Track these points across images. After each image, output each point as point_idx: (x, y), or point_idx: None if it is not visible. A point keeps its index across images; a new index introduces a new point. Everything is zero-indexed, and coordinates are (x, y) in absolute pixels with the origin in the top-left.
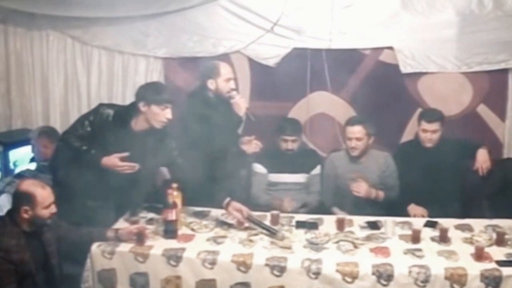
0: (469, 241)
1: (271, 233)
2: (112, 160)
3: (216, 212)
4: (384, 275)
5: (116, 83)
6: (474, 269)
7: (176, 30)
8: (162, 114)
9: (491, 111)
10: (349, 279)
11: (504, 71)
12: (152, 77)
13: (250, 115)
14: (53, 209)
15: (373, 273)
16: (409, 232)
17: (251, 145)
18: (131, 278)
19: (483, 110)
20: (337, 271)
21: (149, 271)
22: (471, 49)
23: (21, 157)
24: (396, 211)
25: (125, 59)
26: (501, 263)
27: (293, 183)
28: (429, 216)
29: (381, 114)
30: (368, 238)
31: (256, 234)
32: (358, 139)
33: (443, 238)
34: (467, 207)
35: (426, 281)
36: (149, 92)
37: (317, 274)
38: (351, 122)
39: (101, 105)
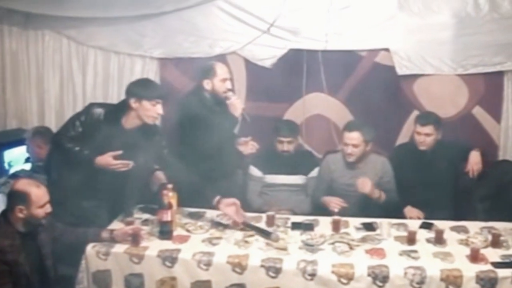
0: (465, 242)
1: (265, 234)
2: (106, 159)
3: (211, 213)
4: (379, 277)
5: (112, 84)
6: (470, 270)
7: (172, 31)
8: (153, 110)
9: (487, 113)
10: (344, 281)
11: (500, 73)
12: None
13: (246, 116)
14: (48, 208)
15: (369, 275)
16: (405, 234)
17: (248, 146)
18: (126, 279)
19: (478, 112)
20: (333, 272)
21: (144, 272)
22: (467, 51)
23: (16, 157)
24: (392, 213)
25: (121, 60)
26: (497, 265)
27: (290, 185)
28: (425, 218)
29: (377, 116)
30: (364, 240)
31: (251, 235)
32: (355, 145)
33: (439, 239)
34: (461, 210)
35: (421, 282)
36: (140, 88)
37: (313, 275)
38: (348, 127)
39: (91, 104)
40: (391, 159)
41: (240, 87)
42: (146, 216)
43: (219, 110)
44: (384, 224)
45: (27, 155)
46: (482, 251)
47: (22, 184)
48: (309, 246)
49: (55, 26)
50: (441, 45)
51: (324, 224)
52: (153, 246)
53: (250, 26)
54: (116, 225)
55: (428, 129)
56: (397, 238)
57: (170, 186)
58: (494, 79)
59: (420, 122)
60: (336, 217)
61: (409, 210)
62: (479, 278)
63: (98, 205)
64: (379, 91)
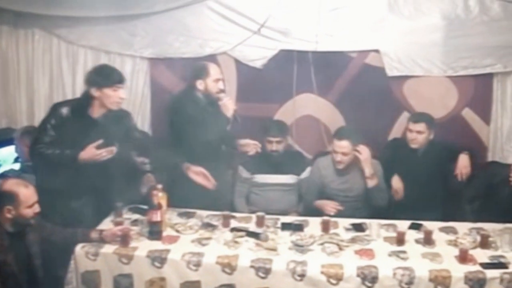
0: (454, 243)
1: (254, 234)
2: (89, 152)
3: (201, 214)
4: (368, 277)
5: None
6: (458, 271)
7: (162, 31)
8: (115, 95)
9: (476, 115)
10: (334, 281)
11: (489, 75)
12: (138, 77)
13: (237, 117)
14: (36, 208)
15: (358, 275)
16: (394, 234)
17: (250, 146)
18: (115, 280)
19: (468, 113)
20: (322, 273)
21: (133, 273)
22: (457, 53)
23: (5, 157)
24: (382, 214)
25: (111, 59)
26: (485, 266)
27: (281, 184)
28: (414, 218)
29: (367, 117)
30: (353, 240)
31: (241, 236)
32: (344, 153)
33: (428, 240)
34: (450, 211)
35: (410, 283)
36: (99, 77)
37: (302, 276)
38: (338, 135)
39: (55, 105)
40: (383, 151)
41: (230, 87)
42: (135, 216)
43: (211, 110)
44: (373, 225)
45: (16, 155)
46: (471, 252)
47: (10, 184)
48: (298, 247)
49: (45, 25)
50: (431, 47)
51: (313, 224)
52: (143, 247)
53: (240, 27)
54: (106, 225)
55: (420, 126)
56: (386, 239)
57: (159, 186)
58: (483, 81)
59: (412, 119)
60: (326, 218)
61: (396, 181)
62: (468, 279)
63: (86, 203)
64: (369, 92)
